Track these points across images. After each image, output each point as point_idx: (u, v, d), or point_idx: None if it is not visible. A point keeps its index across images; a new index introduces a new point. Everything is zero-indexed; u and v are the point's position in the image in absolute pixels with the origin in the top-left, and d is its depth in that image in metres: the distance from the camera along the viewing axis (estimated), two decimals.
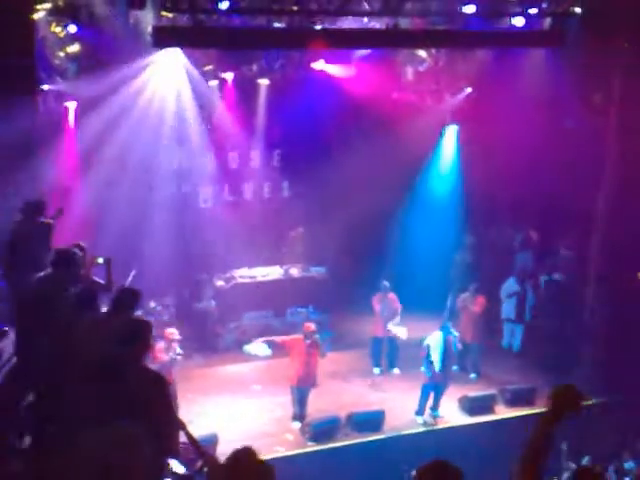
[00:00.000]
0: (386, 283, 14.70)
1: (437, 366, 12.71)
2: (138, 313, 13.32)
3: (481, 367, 14.83)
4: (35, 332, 7.16)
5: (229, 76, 15.61)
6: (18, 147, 11.30)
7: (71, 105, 13.78)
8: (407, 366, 14.00)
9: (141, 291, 7.72)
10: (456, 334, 13.07)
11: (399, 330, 14.58)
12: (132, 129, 14.21)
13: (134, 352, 6.05)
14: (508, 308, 15.84)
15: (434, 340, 12.82)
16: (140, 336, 6.18)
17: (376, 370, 14.86)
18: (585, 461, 11.63)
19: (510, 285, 15.78)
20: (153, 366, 11.30)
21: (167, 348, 11.75)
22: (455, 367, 14.34)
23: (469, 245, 17.44)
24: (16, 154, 11.37)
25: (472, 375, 14.76)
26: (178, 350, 11.79)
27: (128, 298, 7.20)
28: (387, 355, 14.92)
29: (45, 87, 12.95)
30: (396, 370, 14.89)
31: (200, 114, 15.64)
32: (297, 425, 12.49)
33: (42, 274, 7.79)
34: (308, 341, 12.38)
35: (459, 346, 13.27)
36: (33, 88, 10.32)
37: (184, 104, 14.95)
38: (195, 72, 14.79)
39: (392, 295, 14.69)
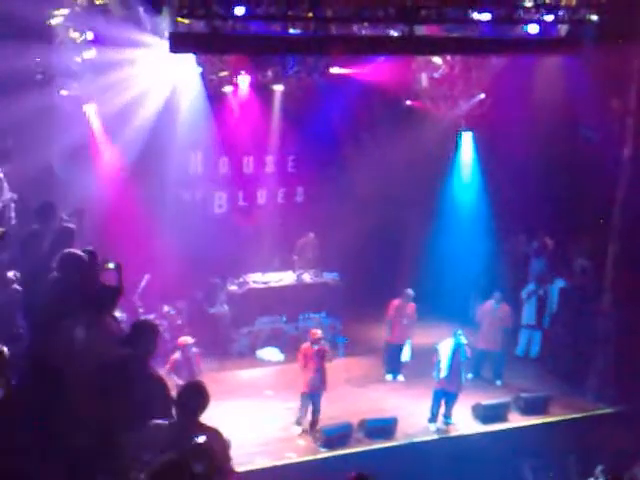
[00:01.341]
0: (410, 292, 14.60)
1: (443, 372, 12.68)
2: (151, 316, 13.53)
3: (504, 374, 14.80)
4: (46, 336, 7.17)
5: (244, 82, 15.67)
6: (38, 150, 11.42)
7: (90, 108, 13.91)
8: (422, 373, 13.93)
9: (121, 288, 7.66)
10: (465, 342, 13.00)
11: (405, 353, 14.66)
12: (147, 133, 14.31)
13: (139, 353, 6.06)
14: (529, 314, 15.79)
15: (445, 346, 12.80)
16: (146, 338, 6.19)
17: (388, 377, 14.85)
18: (598, 471, 11.53)
19: (528, 291, 15.78)
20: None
21: (185, 359, 11.86)
22: (470, 375, 14.30)
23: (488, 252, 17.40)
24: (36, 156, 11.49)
25: (498, 382, 14.72)
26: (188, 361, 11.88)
27: (109, 296, 7.16)
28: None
29: (64, 92, 13.07)
30: (400, 377, 14.88)
31: (214, 119, 15.71)
32: (298, 430, 12.49)
33: (51, 280, 7.77)
34: (316, 347, 12.43)
35: (468, 354, 13.19)
36: None
37: (198, 109, 15.02)
38: (209, 77, 14.88)
39: (412, 305, 14.63)
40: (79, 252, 7.96)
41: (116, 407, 5.61)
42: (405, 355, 14.72)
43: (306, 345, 12.58)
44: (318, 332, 12.69)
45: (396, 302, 14.57)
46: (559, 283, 15.94)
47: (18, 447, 5.21)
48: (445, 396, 12.88)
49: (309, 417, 12.62)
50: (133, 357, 5.98)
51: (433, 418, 12.86)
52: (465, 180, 18.15)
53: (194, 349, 12.19)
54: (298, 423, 12.58)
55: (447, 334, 13.21)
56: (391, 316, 14.60)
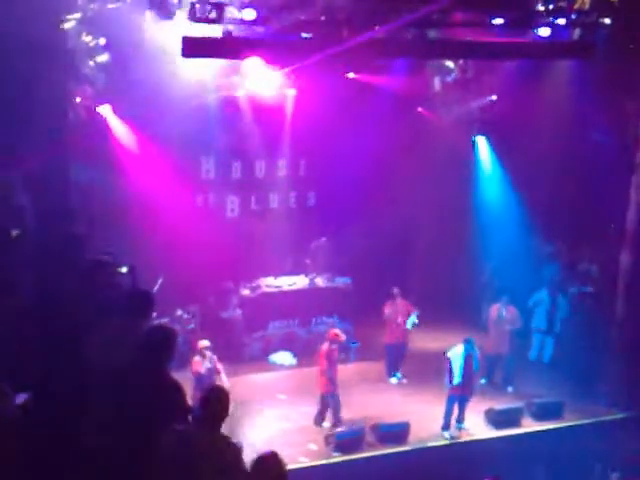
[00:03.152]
0: (395, 290, 14.70)
1: (456, 379, 12.63)
2: (164, 320, 13.55)
3: (517, 378, 14.72)
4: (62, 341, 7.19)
5: (255, 86, 15.68)
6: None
7: (105, 109, 13.99)
8: (433, 377, 13.90)
9: (153, 293, 7.69)
10: (477, 351, 12.95)
11: (411, 322, 14.69)
12: (160, 137, 14.38)
13: (158, 359, 6.06)
14: (538, 318, 15.73)
15: (455, 353, 12.73)
16: (165, 344, 6.18)
17: (393, 380, 14.96)
18: (615, 476, 11.47)
19: (540, 295, 15.72)
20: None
21: (202, 360, 11.88)
22: (483, 380, 14.27)
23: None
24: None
25: (509, 388, 14.65)
26: (208, 363, 11.88)
27: (143, 302, 7.18)
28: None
29: (77, 99, 13.14)
30: (398, 375, 14.96)
31: (227, 123, 15.75)
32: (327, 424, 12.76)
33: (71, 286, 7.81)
34: (335, 346, 12.64)
35: (480, 360, 13.14)
36: None
37: (211, 113, 15.06)
38: (223, 81, 14.91)
39: (403, 302, 14.70)
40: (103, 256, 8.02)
41: (134, 412, 5.61)
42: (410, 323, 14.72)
43: (326, 346, 12.67)
44: (339, 332, 12.93)
45: (387, 304, 14.72)
46: (572, 288, 15.88)
47: (38, 448, 5.25)
48: (458, 401, 12.83)
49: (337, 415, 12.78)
50: (150, 362, 5.98)
51: (446, 426, 12.75)
52: (479, 184, 18.11)
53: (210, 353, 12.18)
54: (319, 423, 12.81)
55: (459, 338, 13.17)
56: (386, 318, 14.74)
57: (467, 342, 12.73)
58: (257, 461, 4.82)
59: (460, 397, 12.81)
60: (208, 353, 11.98)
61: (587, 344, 14.64)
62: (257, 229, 16.77)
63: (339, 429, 12.43)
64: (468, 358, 12.68)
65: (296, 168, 17.64)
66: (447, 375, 12.75)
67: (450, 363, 12.70)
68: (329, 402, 12.73)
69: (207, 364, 11.87)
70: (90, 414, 5.72)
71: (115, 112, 14.16)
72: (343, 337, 12.98)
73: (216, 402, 5.67)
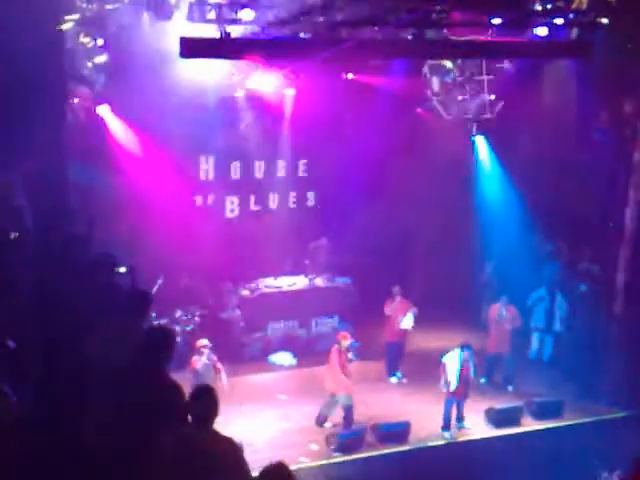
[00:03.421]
0: (396, 289, 14.76)
1: (452, 385, 12.63)
2: (164, 321, 13.56)
3: (517, 377, 14.73)
4: (61, 340, 7.19)
5: (255, 86, 15.69)
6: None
7: (104, 110, 13.99)
8: (433, 377, 13.88)
9: (151, 293, 7.69)
10: (474, 358, 12.95)
11: (407, 322, 14.67)
12: (159, 137, 14.38)
13: (157, 360, 6.06)
14: (537, 317, 15.74)
15: (451, 359, 12.72)
16: (164, 344, 6.18)
17: (393, 379, 15.01)
18: (616, 474, 11.45)
19: (539, 294, 15.72)
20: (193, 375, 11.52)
21: (199, 358, 11.91)
22: (483, 379, 14.28)
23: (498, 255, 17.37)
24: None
25: (509, 387, 14.67)
26: (205, 359, 11.89)
27: (140, 301, 7.19)
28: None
29: (76, 100, 13.14)
30: (398, 375, 14.98)
31: (226, 123, 15.76)
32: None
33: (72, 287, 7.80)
34: (344, 348, 12.68)
35: (478, 362, 13.14)
36: None
37: (210, 113, 15.07)
38: (222, 81, 14.92)
39: (402, 300, 14.75)
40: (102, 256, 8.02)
41: (133, 412, 5.61)
42: (406, 323, 14.77)
43: (336, 349, 12.70)
44: (348, 335, 12.97)
45: (387, 303, 14.76)
46: (572, 287, 15.87)
47: (38, 448, 5.25)
48: (457, 402, 12.84)
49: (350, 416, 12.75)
50: (149, 363, 5.98)
51: (446, 427, 12.77)
52: (478, 184, 18.10)
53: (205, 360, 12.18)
54: (321, 423, 12.81)
55: (459, 337, 13.19)
56: (387, 316, 14.79)
57: (464, 347, 12.72)
58: (265, 471, 4.82)
59: (457, 400, 12.83)
60: (206, 351, 12.02)
61: (587, 343, 14.65)
62: (256, 229, 16.75)
63: (342, 429, 12.46)
64: (465, 363, 12.68)
65: (295, 168, 17.61)
66: (443, 379, 12.75)
67: (446, 368, 12.70)
68: (341, 403, 12.69)
69: (204, 360, 11.90)
70: (90, 414, 5.72)
71: (114, 112, 14.18)
72: (351, 340, 12.95)
73: (201, 401, 5.63)
